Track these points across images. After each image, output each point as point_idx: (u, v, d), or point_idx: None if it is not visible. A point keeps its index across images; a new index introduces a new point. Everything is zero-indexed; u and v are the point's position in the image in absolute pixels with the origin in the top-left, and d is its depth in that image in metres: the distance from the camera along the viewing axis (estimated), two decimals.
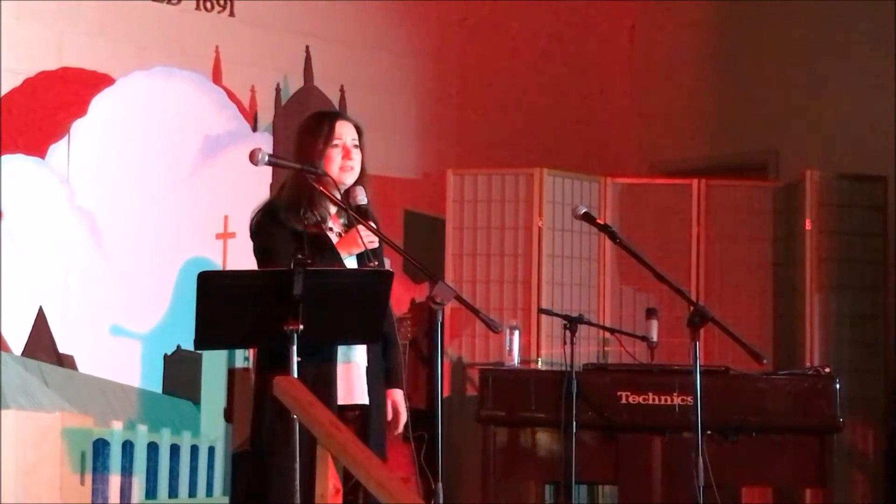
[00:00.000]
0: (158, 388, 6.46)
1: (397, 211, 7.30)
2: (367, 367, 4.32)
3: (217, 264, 6.55)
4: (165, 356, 6.48)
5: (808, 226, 6.69)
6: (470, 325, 6.67)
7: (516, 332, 6.25)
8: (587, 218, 4.74)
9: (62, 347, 6.17)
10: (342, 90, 7.23)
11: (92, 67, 6.36)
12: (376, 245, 4.22)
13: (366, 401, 4.30)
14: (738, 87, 8.02)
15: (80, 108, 6.31)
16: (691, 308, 4.44)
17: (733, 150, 7.94)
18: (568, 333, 5.79)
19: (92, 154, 6.32)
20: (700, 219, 6.95)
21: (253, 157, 4.14)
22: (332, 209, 4.33)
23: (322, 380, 4.09)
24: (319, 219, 4.28)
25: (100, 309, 6.29)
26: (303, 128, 4.42)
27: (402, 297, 7.09)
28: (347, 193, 4.27)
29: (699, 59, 8.25)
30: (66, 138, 6.25)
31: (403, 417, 4.44)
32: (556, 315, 6.09)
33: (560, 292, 6.78)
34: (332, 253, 4.20)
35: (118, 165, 6.41)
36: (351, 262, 4.25)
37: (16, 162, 6.07)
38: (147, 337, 6.43)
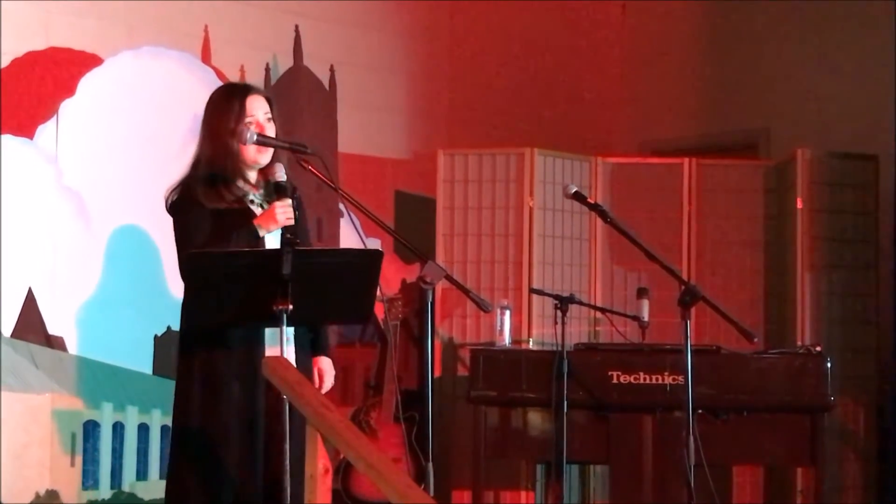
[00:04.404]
0: (149, 370, 6.44)
1: (388, 191, 7.26)
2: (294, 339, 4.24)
3: None
4: (155, 337, 6.46)
5: (799, 204, 6.67)
6: (461, 306, 6.65)
7: (507, 312, 6.23)
8: (578, 197, 4.72)
9: (52, 329, 6.14)
10: (332, 70, 7.20)
11: (80, 47, 6.32)
12: (292, 222, 4.05)
13: None
14: (729, 66, 7.99)
15: (68, 88, 6.27)
16: (682, 287, 4.42)
17: (724, 128, 7.92)
18: (559, 313, 5.78)
19: (80, 134, 6.29)
20: (691, 198, 6.93)
21: (241, 136, 4.12)
22: (253, 180, 4.21)
23: (251, 363, 3.99)
24: (242, 194, 4.19)
25: (89, 290, 6.26)
26: (211, 104, 4.26)
27: (392, 277, 7.07)
28: (266, 171, 4.18)
29: (690, 38, 8.22)
30: (54, 118, 6.21)
31: (327, 384, 4.34)
32: (547, 295, 6.08)
33: (551, 272, 6.77)
34: (249, 229, 4.07)
35: (106, 145, 6.38)
36: (271, 239, 4.11)
37: (3, 142, 6.04)
38: (136, 318, 6.40)
